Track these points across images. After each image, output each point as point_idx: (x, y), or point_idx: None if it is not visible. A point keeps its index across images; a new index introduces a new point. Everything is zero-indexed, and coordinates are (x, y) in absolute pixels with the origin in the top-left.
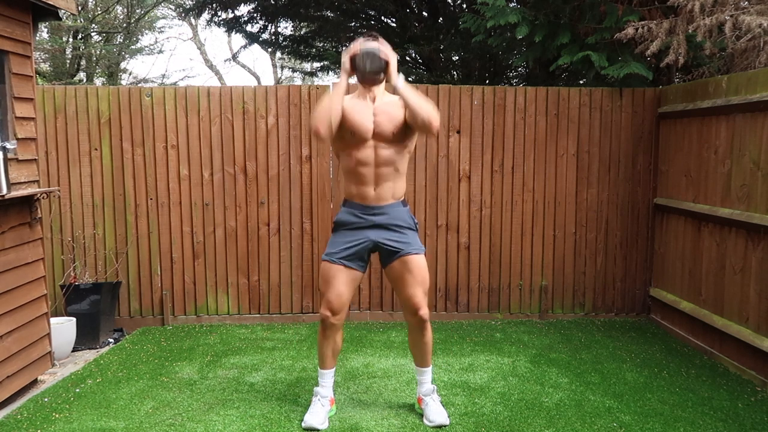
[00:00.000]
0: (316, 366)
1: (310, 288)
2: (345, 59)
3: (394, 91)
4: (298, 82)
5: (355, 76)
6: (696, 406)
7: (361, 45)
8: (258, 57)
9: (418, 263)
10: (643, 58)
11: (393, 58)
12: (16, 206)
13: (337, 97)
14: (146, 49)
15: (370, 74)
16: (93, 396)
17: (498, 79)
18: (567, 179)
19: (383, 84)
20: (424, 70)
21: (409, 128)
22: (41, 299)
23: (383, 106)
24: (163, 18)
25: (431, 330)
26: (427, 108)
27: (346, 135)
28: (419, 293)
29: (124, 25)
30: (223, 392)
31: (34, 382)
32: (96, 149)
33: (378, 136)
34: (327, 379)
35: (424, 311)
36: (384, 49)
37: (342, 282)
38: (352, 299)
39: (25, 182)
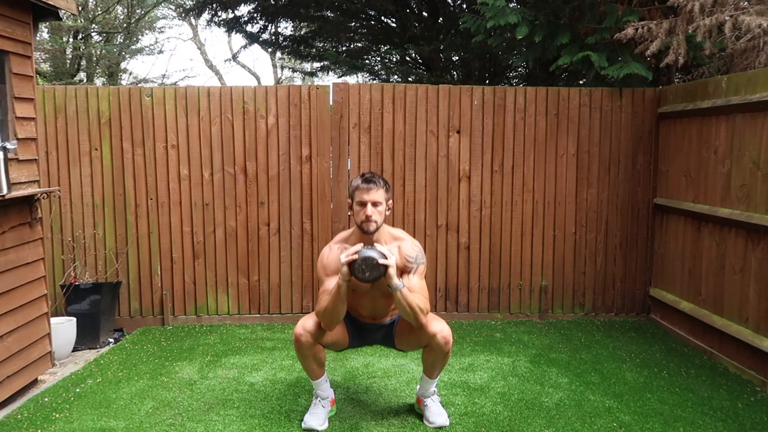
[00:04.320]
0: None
1: (310, 288)
2: (344, 264)
3: (391, 291)
4: (298, 82)
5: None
6: (696, 406)
7: (359, 252)
8: (258, 57)
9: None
10: (643, 58)
11: (392, 260)
12: (16, 206)
13: (340, 303)
14: (146, 49)
15: (368, 281)
16: (93, 396)
17: (498, 79)
18: (567, 179)
19: (383, 228)
20: (424, 70)
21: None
22: (41, 299)
23: None
24: (163, 18)
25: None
26: (417, 311)
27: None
28: (428, 323)
29: (124, 25)
30: (223, 392)
31: (35, 382)
32: (96, 149)
33: (377, 287)
34: (322, 385)
35: (441, 335)
36: (383, 252)
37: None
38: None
39: (25, 182)
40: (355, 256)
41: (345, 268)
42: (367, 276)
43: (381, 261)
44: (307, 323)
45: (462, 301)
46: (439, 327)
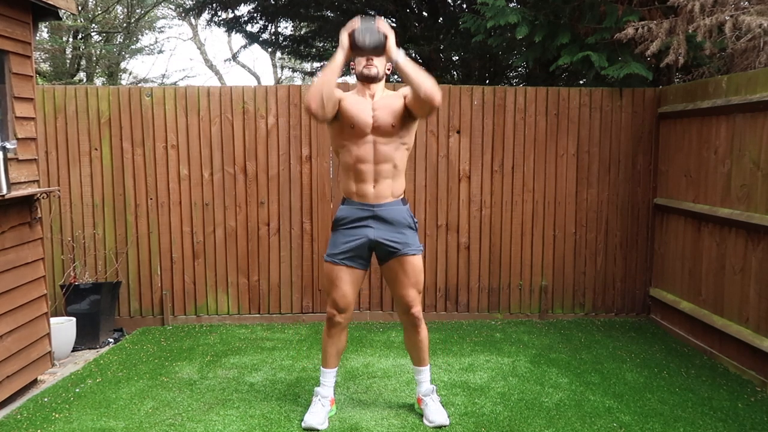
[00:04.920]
0: (317, 366)
1: (310, 288)
2: (343, 36)
3: (394, 67)
4: (298, 82)
5: (353, 52)
6: (696, 406)
7: (359, 21)
8: (258, 57)
9: (414, 264)
10: (643, 58)
11: (391, 33)
12: (16, 206)
13: (332, 73)
14: (146, 49)
15: (369, 49)
16: (93, 396)
17: (498, 79)
18: (567, 179)
19: (382, 82)
20: (424, 70)
21: (408, 119)
22: (41, 299)
23: (382, 101)
24: (163, 18)
25: (426, 329)
26: (428, 82)
27: (346, 129)
28: (412, 293)
29: (124, 25)
30: (223, 392)
31: (34, 382)
32: (96, 149)
33: (377, 129)
34: (329, 378)
35: (417, 309)
36: (382, 25)
37: (346, 282)
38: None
39: (25, 182)
40: (356, 25)
41: (345, 39)
42: (367, 41)
43: (381, 28)
44: (338, 303)
45: (462, 301)
46: (410, 305)
